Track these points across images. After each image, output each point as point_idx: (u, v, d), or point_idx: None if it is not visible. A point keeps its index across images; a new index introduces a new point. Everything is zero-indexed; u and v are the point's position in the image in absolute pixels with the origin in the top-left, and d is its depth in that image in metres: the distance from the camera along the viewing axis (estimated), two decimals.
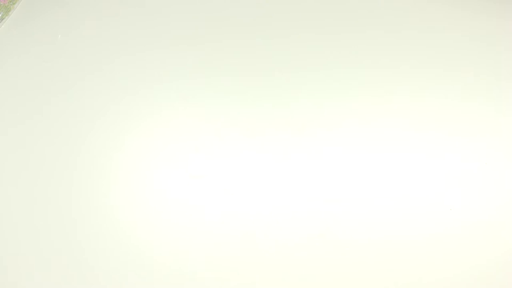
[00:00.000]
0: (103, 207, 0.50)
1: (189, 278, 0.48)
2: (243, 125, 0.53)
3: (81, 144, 0.52)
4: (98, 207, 0.50)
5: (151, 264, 0.48)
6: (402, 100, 0.53)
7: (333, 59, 0.55)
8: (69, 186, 0.50)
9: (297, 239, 0.48)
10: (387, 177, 0.50)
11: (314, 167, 0.51)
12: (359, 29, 0.56)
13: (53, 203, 0.50)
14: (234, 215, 0.49)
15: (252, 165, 0.51)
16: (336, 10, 0.57)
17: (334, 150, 0.51)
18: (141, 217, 0.49)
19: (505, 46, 0.55)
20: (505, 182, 0.50)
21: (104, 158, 0.52)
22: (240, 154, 0.51)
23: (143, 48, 0.56)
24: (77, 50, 0.56)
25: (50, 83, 0.55)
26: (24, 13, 0.58)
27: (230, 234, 0.49)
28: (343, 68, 0.55)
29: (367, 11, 0.57)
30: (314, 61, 0.55)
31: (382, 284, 0.47)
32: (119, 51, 0.56)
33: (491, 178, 0.50)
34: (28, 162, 0.51)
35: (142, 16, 0.58)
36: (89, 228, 0.49)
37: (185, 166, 0.51)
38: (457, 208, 0.49)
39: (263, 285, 0.47)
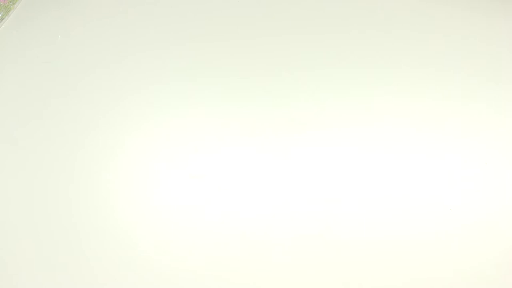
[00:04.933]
0: (103, 207, 0.50)
1: (189, 278, 0.48)
2: (243, 125, 0.53)
3: (82, 144, 0.52)
4: (98, 206, 0.50)
5: (151, 264, 0.48)
6: (402, 100, 0.53)
7: (334, 59, 0.55)
8: (69, 185, 0.50)
9: (297, 239, 0.48)
10: (387, 177, 0.50)
11: (314, 167, 0.51)
12: (360, 29, 0.56)
13: (53, 203, 0.50)
14: (234, 215, 0.49)
15: (252, 165, 0.51)
16: (336, 10, 0.57)
17: (334, 150, 0.51)
18: (141, 217, 0.49)
19: (505, 46, 0.55)
20: (505, 182, 0.50)
21: (104, 158, 0.52)
22: (240, 154, 0.51)
23: (143, 48, 0.56)
24: (77, 50, 0.56)
25: (50, 83, 0.55)
26: (24, 13, 0.58)
27: (230, 233, 0.49)
28: (343, 68, 0.55)
29: (368, 11, 0.57)
30: (314, 61, 0.55)
31: (382, 284, 0.47)
32: (119, 51, 0.56)
33: (491, 178, 0.50)
34: (28, 162, 0.51)
35: (142, 16, 0.58)
36: (89, 227, 0.49)
37: (185, 166, 0.51)
38: (457, 208, 0.49)
39: (263, 285, 0.47)
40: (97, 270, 0.48)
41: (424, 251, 0.48)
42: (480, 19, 0.56)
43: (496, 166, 0.50)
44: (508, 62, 0.54)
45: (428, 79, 0.54)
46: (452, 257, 0.48)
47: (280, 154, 0.51)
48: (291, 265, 0.48)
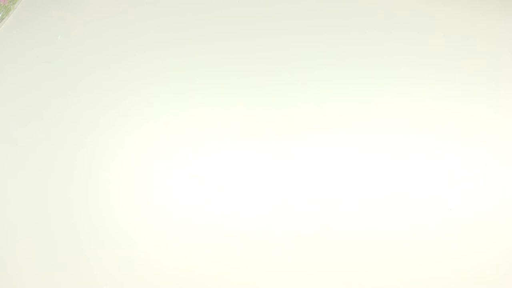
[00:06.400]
0: (103, 207, 0.50)
1: (189, 278, 0.48)
2: (243, 125, 0.53)
3: (82, 144, 0.52)
4: (98, 206, 0.50)
5: (151, 264, 0.48)
6: (402, 100, 0.53)
7: (334, 59, 0.55)
8: (69, 185, 0.50)
9: (297, 239, 0.48)
10: (387, 177, 0.50)
11: (314, 167, 0.51)
12: (360, 29, 0.56)
13: (53, 203, 0.50)
14: (234, 215, 0.49)
15: (252, 165, 0.51)
16: (336, 10, 0.57)
17: (334, 150, 0.51)
18: (141, 217, 0.49)
19: (505, 46, 0.55)
20: (505, 182, 0.50)
21: (104, 158, 0.52)
22: (240, 154, 0.51)
23: (143, 48, 0.56)
24: (77, 50, 0.56)
25: (50, 83, 0.55)
26: (24, 13, 0.58)
27: (230, 233, 0.49)
28: (343, 68, 0.55)
29: (368, 11, 0.57)
30: (314, 61, 0.55)
31: (382, 284, 0.47)
32: (119, 51, 0.56)
33: (491, 178, 0.50)
34: (28, 162, 0.51)
35: (142, 16, 0.58)
36: (89, 227, 0.49)
37: (185, 166, 0.51)
38: (457, 208, 0.49)
39: (263, 285, 0.47)
40: (97, 270, 0.48)
41: (424, 251, 0.48)
42: (480, 19, 0.56)
43: (496, 166, 0.50)
44: (508, 62, 0.54)
45: (428, 79, 0.54)
46: (452, 257, 0.48)
47: (280, 154, 0.51)
48: (291, 265, 0.48)
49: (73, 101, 0.54)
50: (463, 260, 0.48)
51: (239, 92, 0.54)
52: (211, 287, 0.47)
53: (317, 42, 0.56)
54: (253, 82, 0.54)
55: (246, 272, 0.48)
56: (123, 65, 0.55)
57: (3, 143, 0.52)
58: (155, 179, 0.51)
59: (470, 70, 0.54)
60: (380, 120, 0.52)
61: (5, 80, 0.55)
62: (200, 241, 0.49)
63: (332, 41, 0.56)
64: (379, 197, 0.50)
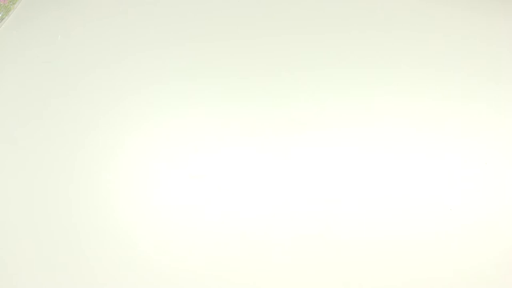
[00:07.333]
0: (103, 207, 0.50)
1: (189, 278, 0.48)
2: (243, 125, 0.53)
3: (82, 144, 0.52)
4: (98, 206, 0.50)
5: (151, 264, 0.48)
6: (402, 100, 0.53)
7: (334, 59, 0.55)
8: (69, 185, 0.50)
9: (297, 239, 0.48)
10: (387, 177, 0.50)
11: (314, 167, 0.51)
12: (360, 29, 0.56)
13: (53, 203, 0.50)
14: (234, 215, 0.49)
15: (252, 165, 0.51)
16: (336, 10, 0.57)
17: (334, 150, 0.51)
18: (141, 217, 0.49)
19: (505, 46, 0.55)
20: (505, 182, 0.50)
21: (104, 158, 0.52)
22: (240, 154, 0.51)
23: (143, 48, 0.56)
24: (77, 50, 0.56)
25: (50, 83, 0.55)
26: (24, 13, 0.58)
27: (230, 234, 0.49)
28: (343, 68, 0.55)
29: (368, 11, 0.57)
30: (314, 61, 0.55)
31: (382, 284, 0.47)
32: (119, 51, 0.56)
33: (491, 178, 0.50)
34: (28, 162, 0.51)
35: (142, 16, 0.58)
36: (89, 227, 0.49)
37: (185, 166, 0.51)
38: (457, 208, 0.49)
39: (263, 285, 0.47)
40: (97, 270, 0.48)
41: (424, 251, 0.48)
42: (480, 19, 0.56)
43: (496, 166, 0.50)
44: (508, 62, 0.54)
45: (428, 79, 0.54)
46: (452, 257, 0.48)
47: (280, 154, 0.51)
48: (291, 265, 0.48)
49: (73, 101, 0.54)
50: (463, 260, 0.48)
51: (239, 92, 0.54)
52: (211, 287, 0.47)
53: (317, 42, 0.56)
54: (253, 82, 0.54)
55: (246, 272, 0.48)
56: (123, 65, 0.55)
57: (3, 143, 0.52)
58: (155, 179, 0.51)
59: (470, 70, 0.54)
60: (380, 120, 0.52)
61: (5, 80, 0.55)
62: (200, 241, 0.49)
63: (332, 41, 0.56)
64: (379, 197, 0.50)
